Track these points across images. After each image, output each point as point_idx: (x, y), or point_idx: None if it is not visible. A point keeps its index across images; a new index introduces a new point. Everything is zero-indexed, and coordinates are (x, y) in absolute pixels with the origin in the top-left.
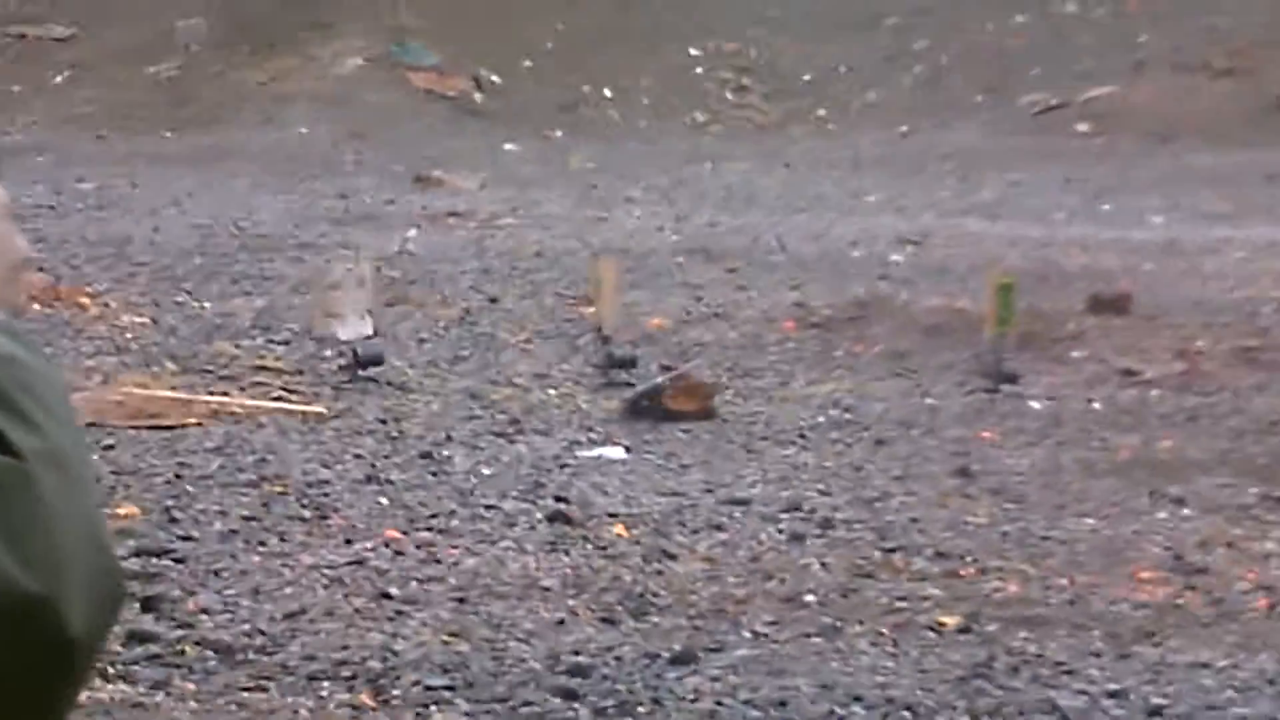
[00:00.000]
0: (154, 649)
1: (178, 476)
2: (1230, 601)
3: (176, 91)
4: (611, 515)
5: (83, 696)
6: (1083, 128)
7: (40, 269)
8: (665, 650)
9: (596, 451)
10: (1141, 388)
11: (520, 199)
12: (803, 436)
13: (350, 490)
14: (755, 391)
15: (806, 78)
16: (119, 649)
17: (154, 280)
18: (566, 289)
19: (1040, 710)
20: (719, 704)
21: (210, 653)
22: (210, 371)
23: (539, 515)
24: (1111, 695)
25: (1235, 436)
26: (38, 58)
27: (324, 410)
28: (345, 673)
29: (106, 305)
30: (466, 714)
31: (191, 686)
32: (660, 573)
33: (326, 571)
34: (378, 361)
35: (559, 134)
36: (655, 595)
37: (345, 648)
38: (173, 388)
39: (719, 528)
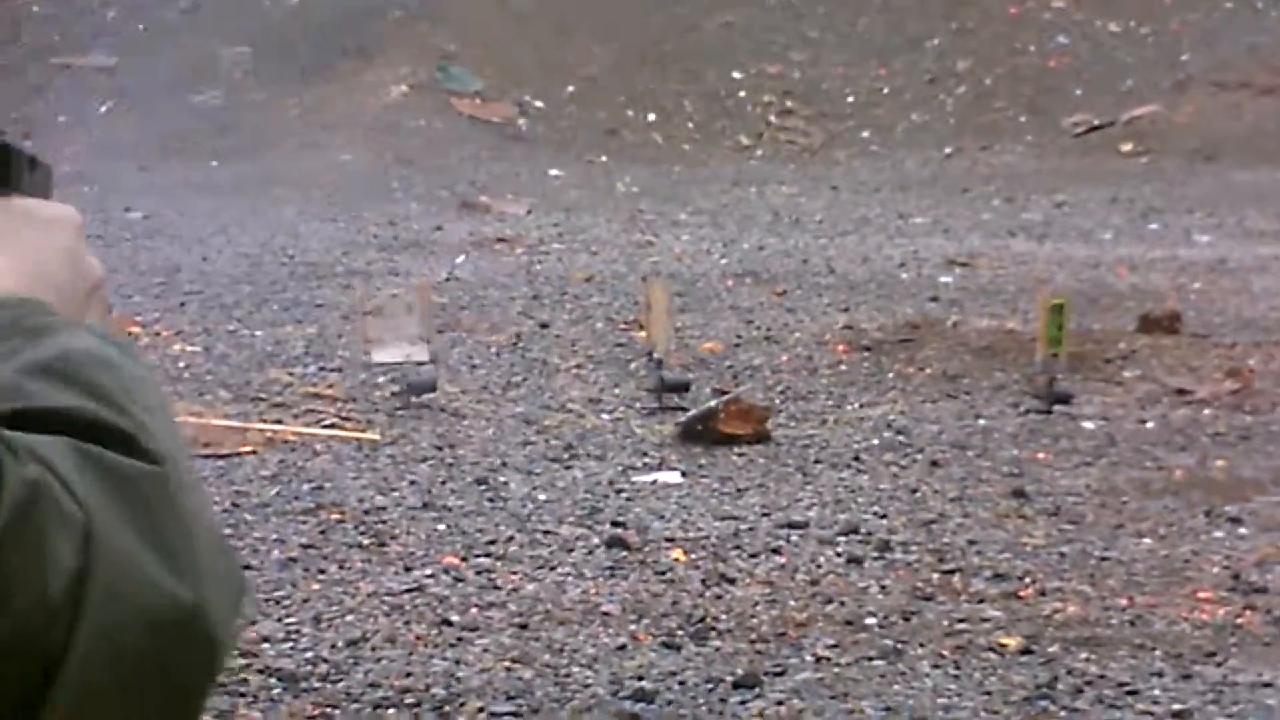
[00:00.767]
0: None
1: (234, 505)
2: None
3: (221, 120)
4: (669, 539)
5: None
6: (1126, 147)
7: None
8: (728, 674)
9: (652, 476)
10: (1194, 407)
11: (567, 224)
12: (857, 459)
13: (407, 517)
14: (808, 414)
15: (850, 100)
16: None
17: (204, 309)
18: (617, 313)
19: None
20: None
21: (274, 680)
22: (263, 399)
23: (596, 540)
24: (1176, 716)
25: None
26: (82, 88)
27: (378, 437)
28: (409, 700)
29: (157, 334)
30: None
31: (257, 715)
32: (720, 597)
33: (386, 598)
34: (430, 388)
35: (603, 159)
36: (716, 619)
37: (408, 675)
38: (226, 416)
39: (777, 551)
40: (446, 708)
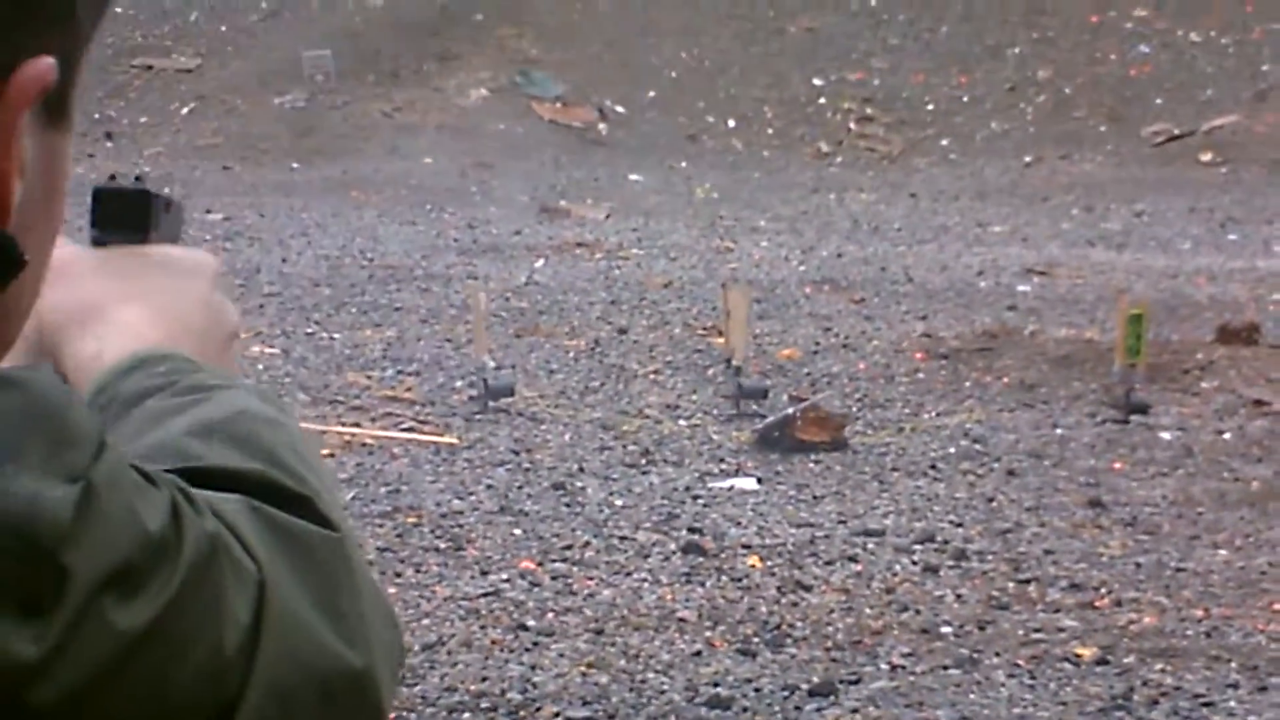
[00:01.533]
0: None
1: None
2: None
3: (302, 122)
4: (745, 546)
5: None
6: (1206, 157)
7: None
8: (804, 682)
9: (728, 483)
10: (1272, 418)
11: (646, 229)
12: (934, 467)
13: (484, 521)
14: (885, 422)
15: (930, 107)
16: None
17: (283, 311)
18: (695, 319)
19: None
20: None
21: None
22: (341, 402)
23: (673, 546)
24: None
25: None
26: (163, 89)
27: (456, 441)
28: (485, 704)
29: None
30: None
31: None
32: (795, 604)
33: (463, 602)
34: (508, 392)
35: (683, 164)
36: (791, 626)
37: (484, 679)
38: (304, 418)
39: (853, 559)
40: (522, 712)
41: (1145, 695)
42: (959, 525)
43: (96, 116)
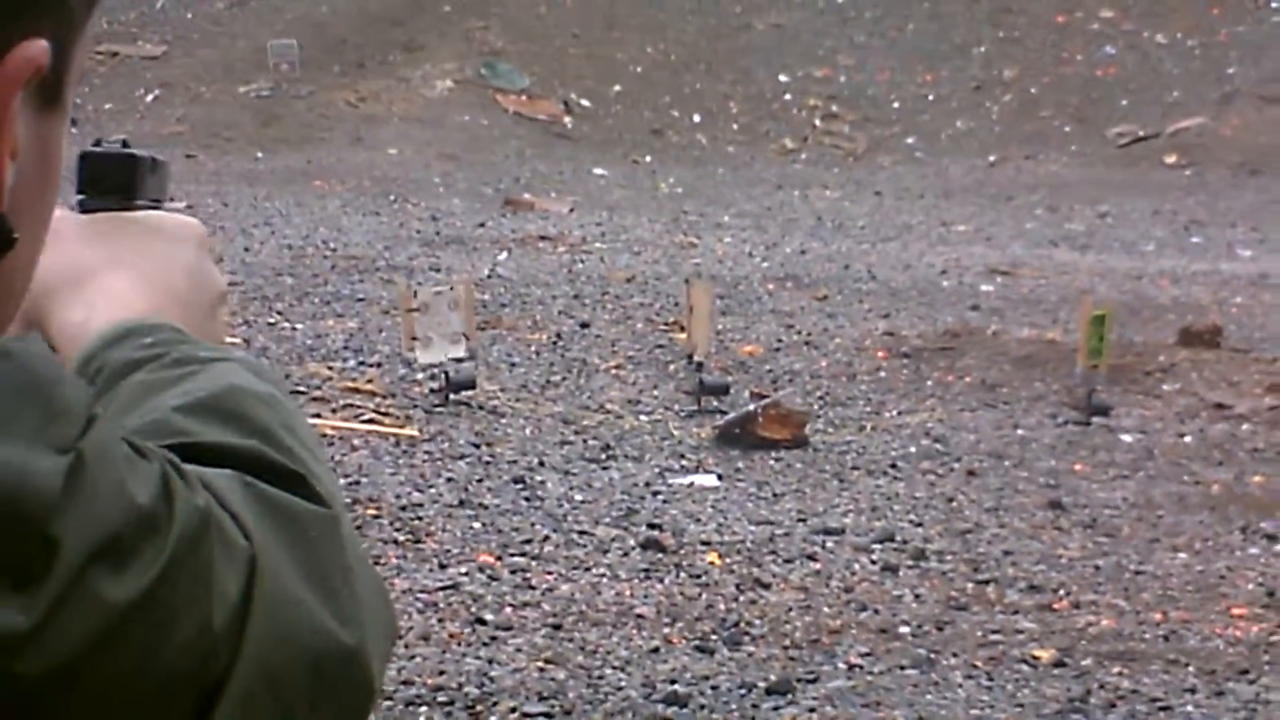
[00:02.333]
0: None
1: None
2: None
3: (267, 111)
4: (704, 543)
5: None
6: (1171, 159)
7: None
8: (761, 680)
9: (689, 479)
10: (1233, 422)
11: (610, 223)
12: (894, 466)
13: (443, 514)
14: (846, 420)
15: (896, 105)
16: None
17: (245, 300)
18: (657, 315)
19: None
20: None
21: None
22: (303, 393)
23: (632, 542)
24: None
25: None
26: (129, 76)
27: (416, 433)
28: (442, 698)
29: None
30: None
31: None
32: (754, 602)
33: (421, 595)
34: (470, 385)
35: (648, 158)
36: (749, 624)
37: (442, 673)
38: None
39: (812, 557)
40: (479, 707)
41: (1103, 698)
42: (919, 525)
43: None
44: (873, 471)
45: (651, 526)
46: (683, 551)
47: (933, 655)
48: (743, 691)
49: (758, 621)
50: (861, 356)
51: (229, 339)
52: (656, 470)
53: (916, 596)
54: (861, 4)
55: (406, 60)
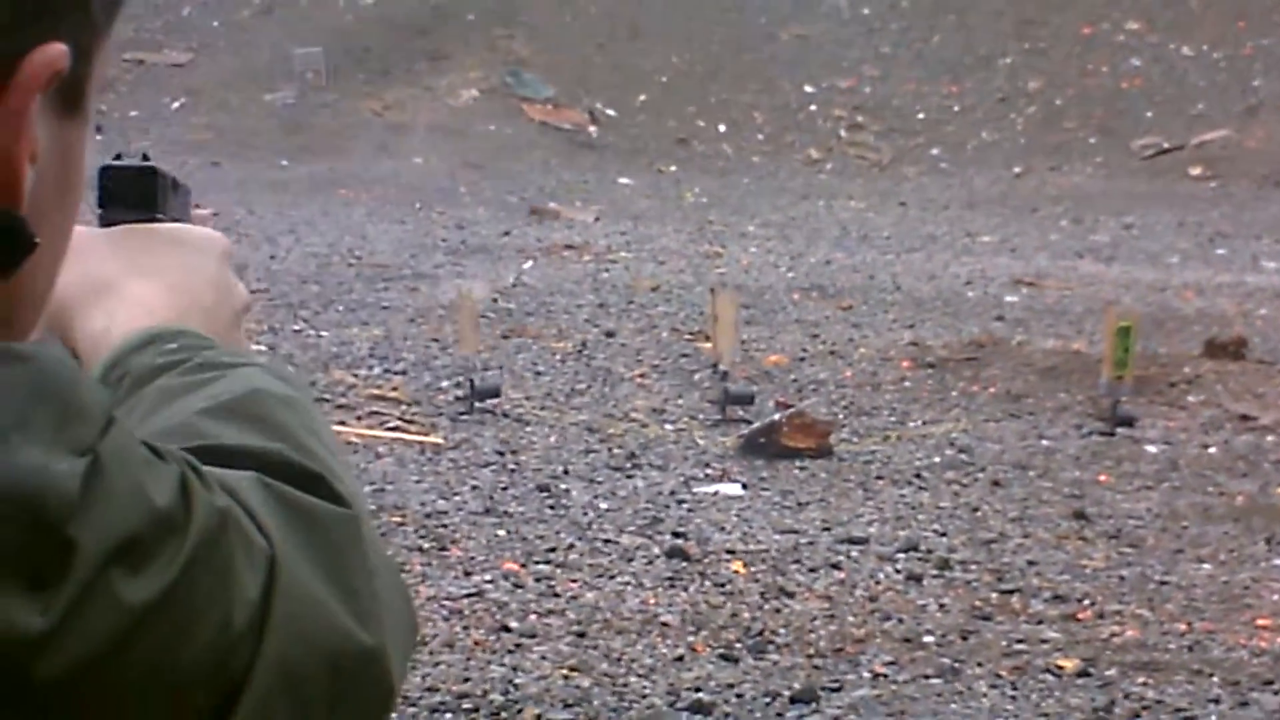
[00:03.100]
0: None
1: None
2: None
3: (292, 119)
4: (729, 552)
5: None
6: (1196, 171)
7: None
8: (785, 689)
9: (713, 488)
10: (1258, 433)
11: (635, 233)
12: (919, 476)
13: (468, 522)
14: (871, 430)
15: (921, 116)
16: None
17: (271, 308)
18: (682, 324)
19: None
20: None
21: None
22: (328, 400)
23: (657, 550)
24: None
25: None
26: (154, 83)
27: (441, 441)
28: (467, 705)
29: None
30: None
31: None
32: (778, 610)
33: (446, 603)
34: (495, 393)
35: (673, 168)
36: (774, 633)
37: (466, 680)
38: None
39: (836, 566)
40: (503, 714)
41: (1127, 708)
42: (943, 534)
43: None
44: (897, 481)
45: (676, 535)
46: (707, 560)
47: (957, 665)
48: (767, 700)
49: (782, 630)
50: (886, 366)
51: (251, 348)
52: (681, 479)
53: (941, 606)
54: (887, 15)
55: (431, 69)
